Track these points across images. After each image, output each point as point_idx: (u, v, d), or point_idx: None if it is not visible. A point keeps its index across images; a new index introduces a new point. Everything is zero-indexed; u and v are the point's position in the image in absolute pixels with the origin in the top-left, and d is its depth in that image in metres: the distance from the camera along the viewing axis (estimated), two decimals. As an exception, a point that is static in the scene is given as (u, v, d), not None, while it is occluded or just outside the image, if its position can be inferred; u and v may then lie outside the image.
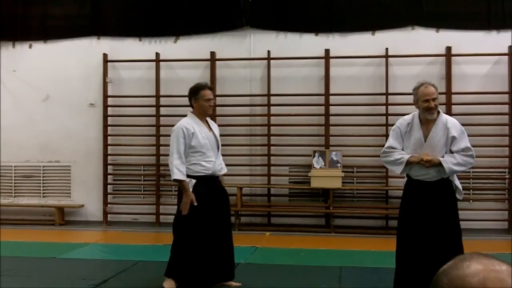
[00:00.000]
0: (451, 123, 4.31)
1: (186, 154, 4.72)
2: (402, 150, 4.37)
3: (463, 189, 7.93)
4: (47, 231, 8.24)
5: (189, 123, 4.80)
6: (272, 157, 8.39)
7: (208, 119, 5.02)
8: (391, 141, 4.41)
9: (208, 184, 4.78)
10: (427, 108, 4.25)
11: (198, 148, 4.73)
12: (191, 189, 4.68)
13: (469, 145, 4.32)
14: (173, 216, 8.48)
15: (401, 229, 4.41)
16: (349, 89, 8.16)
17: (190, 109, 8.68)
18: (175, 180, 4.73)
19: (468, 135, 7.68)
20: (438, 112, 4.34)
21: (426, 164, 4.24)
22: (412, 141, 4.34)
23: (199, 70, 8.59)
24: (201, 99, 4.83)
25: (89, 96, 8.84)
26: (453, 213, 4.32)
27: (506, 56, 7.93)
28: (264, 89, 8.42)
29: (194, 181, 4.72)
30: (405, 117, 4.49)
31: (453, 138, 4.25)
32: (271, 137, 8.37)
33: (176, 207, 4.95)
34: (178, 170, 4.64)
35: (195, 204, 4.66)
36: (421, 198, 4.31)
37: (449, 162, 4.23)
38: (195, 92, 4.87)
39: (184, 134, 4.70)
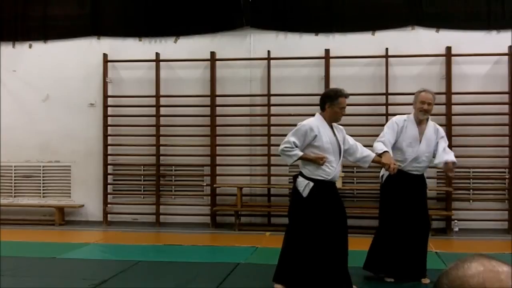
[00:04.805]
0: (438, 126, 5.25)
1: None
2: (395, 143, 5.09)
3: (463, 189, 8.05)
4: (47, 231, 8.23)
5: (316, 125, 4.64)
6: (272, 157, 8.37)
7: (335, 124, 4.84)
8: (386, 135, 5.07)
9: (326, 190, 4.62)
10: (422, 109, 5.04)
11: (321, 151, 4.59)
12: (308, 192, 4.55)
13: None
14: (172, 216, 8.62)
15: (389, 212, 5.13)
16: (349, 89, 7.96)
17: (190, 108, 8.73)
18: (291, 159, 4.60)
19: (468, 135, 7.86)
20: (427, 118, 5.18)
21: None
22: (409, 135, 5.07)
23: (199, 70, 8.59)
24: (336, 106, 4.69)
25: (89, 96, 8.84)
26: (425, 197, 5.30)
27: (506, 56, 7.93)
28: (264, 89, 8.42)
29: (312, 184, 4.56)
30: (401, 116, 5.23)
31: (442, 137, 5.18)
32: (271, 137, 8.35)
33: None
34: (288, 150, 4.56)
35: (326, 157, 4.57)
36: (409, 188, 5.09)
37: (450, 157, 5.09)
38: (333, 97, 4.71)
39: (306, 134, 4.59)
